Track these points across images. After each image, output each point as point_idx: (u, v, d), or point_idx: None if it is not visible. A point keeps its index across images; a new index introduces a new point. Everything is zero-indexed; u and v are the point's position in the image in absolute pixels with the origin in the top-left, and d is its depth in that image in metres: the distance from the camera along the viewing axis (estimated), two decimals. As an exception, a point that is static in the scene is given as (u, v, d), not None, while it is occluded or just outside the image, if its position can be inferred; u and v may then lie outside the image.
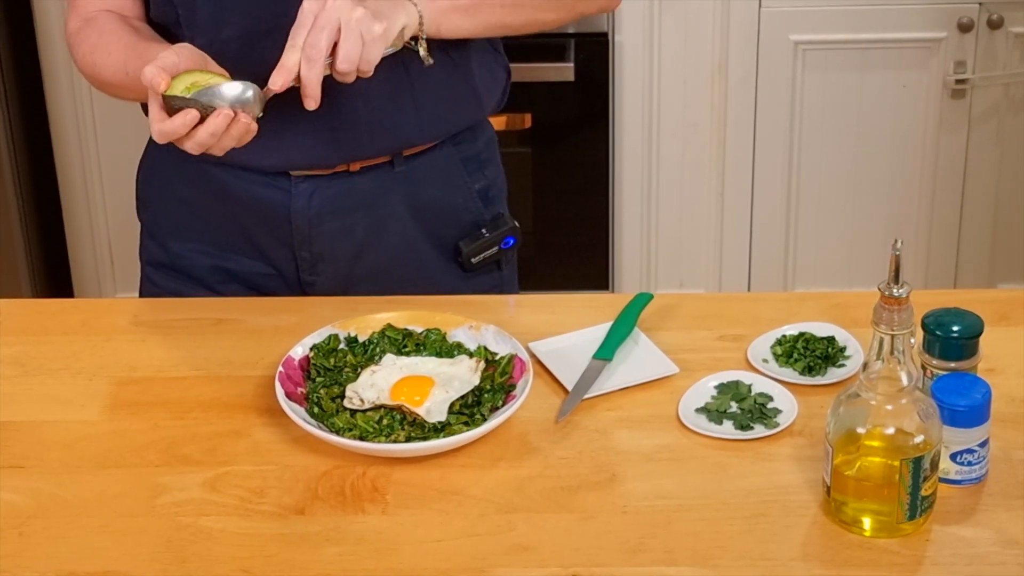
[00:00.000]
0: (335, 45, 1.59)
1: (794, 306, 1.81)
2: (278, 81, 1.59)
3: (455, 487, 1.50)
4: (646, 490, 1.49)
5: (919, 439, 1.39)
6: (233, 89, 1.61)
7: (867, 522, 1.42)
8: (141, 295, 1.97)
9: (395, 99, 1.73)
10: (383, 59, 1.65)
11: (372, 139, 1.80)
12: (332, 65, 1.61)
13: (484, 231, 1.90)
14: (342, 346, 1.67)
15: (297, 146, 1.78)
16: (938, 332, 1.52)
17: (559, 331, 1.74)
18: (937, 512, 1.44)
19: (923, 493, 1.41)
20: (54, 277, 3.42)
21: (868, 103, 3.18)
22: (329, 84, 1.64)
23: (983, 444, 1.47)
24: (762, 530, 1.44)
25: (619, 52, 3.11)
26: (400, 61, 1.74)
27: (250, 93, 1.61)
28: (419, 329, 1.70)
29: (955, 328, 1.51)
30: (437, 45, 1.73)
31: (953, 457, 1.47)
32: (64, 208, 3.32)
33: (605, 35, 3.11)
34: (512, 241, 1.92)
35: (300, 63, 1.59)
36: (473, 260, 1.90)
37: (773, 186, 3.26)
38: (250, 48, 1.74)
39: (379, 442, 1.54)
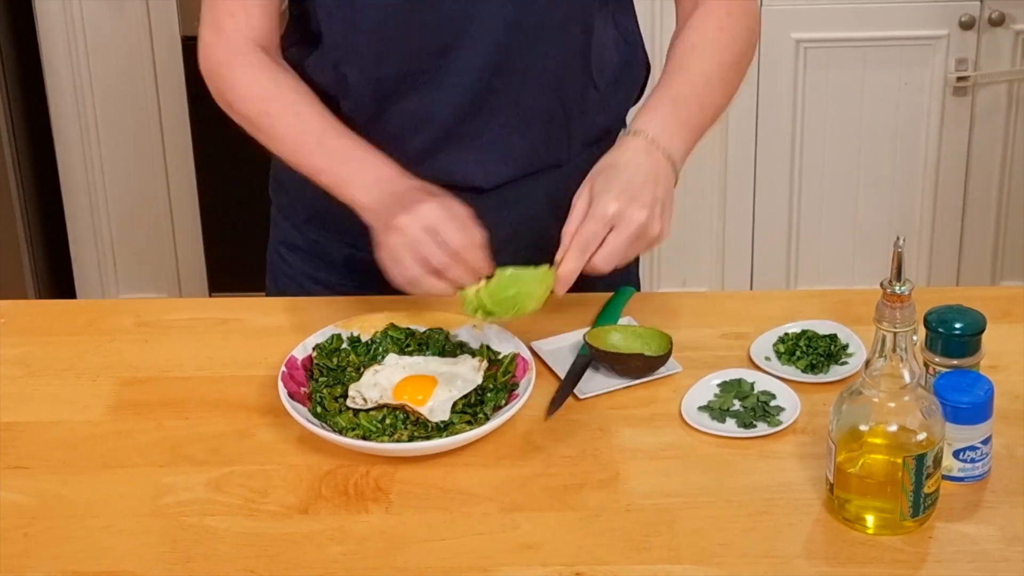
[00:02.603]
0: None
1: (796, 304, 1.81)
2: (563, 289, 1.60)
3: (458, 486, 1.51)
4: (649, 488, 1.49)
5: (922, 436, 1.40)
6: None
7: (870, 519, 1.42)
8: (270, 273, 1.96)
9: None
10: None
11: (531, 153, 1.81)
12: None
13: None
14: (345, 346, 1.67)
15: (454, 166, 1.80)
16: (941, 329, 1.52)
17: (562, 330, 1.74)
18: (940, 509, 1.44)
19: (926, 490, 1.41)
20: (57, 278, 3.43)
21: (870, 101, 3.18)
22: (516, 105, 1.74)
23: (986, 441, 1.47)
24: (765, 528, 1.44)
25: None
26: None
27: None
28: (422, 328, 1.70)
29: (957, 325, 1.52)
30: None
31: (956, 454, 1.47)
32: (66, 209, 3.33)
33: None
34: None
35: (586, 265, 1.59)
36: None
37: (775, 184, 3.26)
38: (406, 87, 1.75)
39: (382, 441, 1.54)
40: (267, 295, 1.98)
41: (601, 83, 1.81)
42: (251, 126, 1.76)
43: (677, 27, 1.82)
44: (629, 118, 1.83)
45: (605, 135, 1.86)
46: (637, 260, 1.96)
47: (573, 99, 1.80)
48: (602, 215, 1.59)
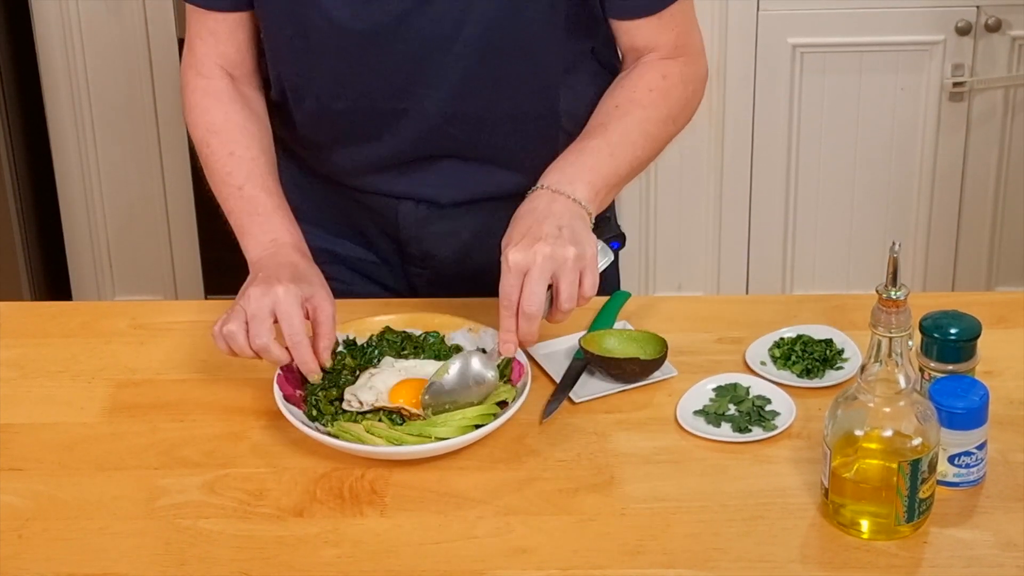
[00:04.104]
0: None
1: (792, 308, 1.81)
2: (511, 349, 1.58)
3: (453, 489, 1.50)
4: (644, 492, 1.49)
5: (917, 441, 1.40)
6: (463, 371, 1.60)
7: (865, 524, 1.42)
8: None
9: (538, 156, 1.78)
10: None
11: (493, 181, 1.82)
12: (552, 306, 1.59)
13: None
14: (341, 348, 1.67)
15: (406, 187, 1.82)
16: (936, 334, 1.52)
17: (557, 333, 1.74)
18: (935, 514, 1.44)
19: (921, 495, 1.41)
20: (53, 280, 3.42)
21: (866, 106, 3.18)
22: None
23: (981, 446, 1.47)
24: (760, 532, 1.44)
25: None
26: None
27: (490, 375, 1.59)
28: (417, 332, 1.70)
29: (953, 330, 1.52)
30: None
31: (951, 459, 1.47)
32: (63, 211, 3.32)
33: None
34: (616, 246, 1.91)
35: (519, 321, 1.57)
36: None
37: (771, 188, 3.26)
38: (362, 121, 1.77)
39: (377, 445, 1.54)
40: None
41: (573, 127, 1.78)
42: (197, 152, 1.81)
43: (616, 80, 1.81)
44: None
45: None
46: (615, 261, 1.96)
47: (539, 143, 1.79)
48: (508, 268, 1.57)
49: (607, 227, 1.90)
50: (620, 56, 1.84)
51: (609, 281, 1.94)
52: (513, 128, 1.78)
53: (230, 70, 1.81)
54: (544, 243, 1.57)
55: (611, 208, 1.92)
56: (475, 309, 1.79)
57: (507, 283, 1.57)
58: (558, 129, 1.79)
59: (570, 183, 1.65)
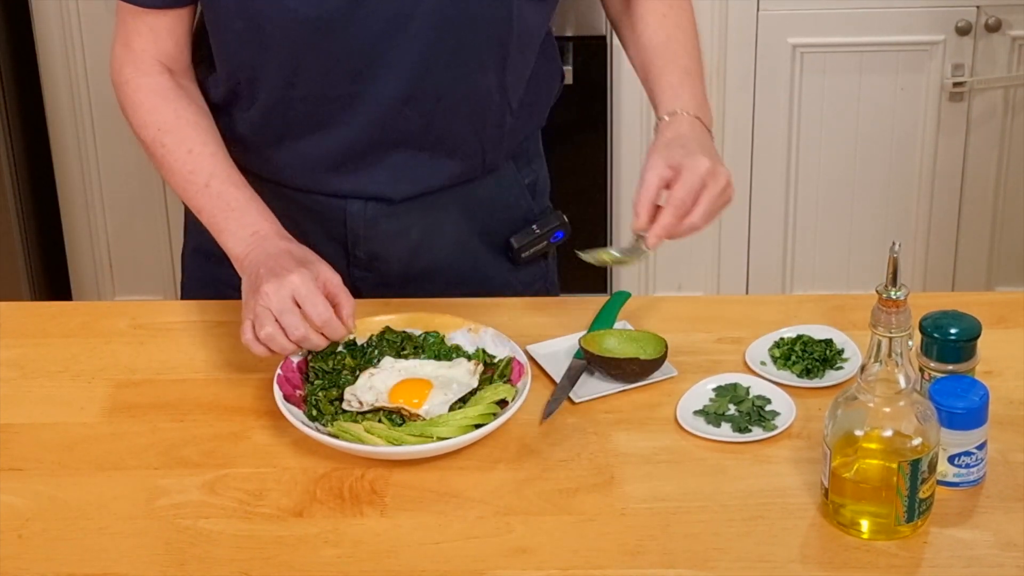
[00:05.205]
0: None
1: (792, 308, 1.81)
2: (656, 243, 1.69)
3: (453, 489, 1.50)
4: (644, 492, 1.49)
5: (917, 441, 1.40)
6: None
7: (865, 524, 1.42)
8: (185, 280, 1.98)
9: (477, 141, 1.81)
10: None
11: (443, 171, 1.83)
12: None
13: (534, 226, 1.91)
14: (340, 349, 1.67)
15: (360, 182, 1.82)
16: (936, 334, 1.52)
17: (557, 333, 1.74)
18: (935, 514, 1.44)
19: (921, 495, 1.41)
20: (53, 280, 3.42)
21: (866, 106, 3.18)
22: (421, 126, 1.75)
23: (981, 447, 1.47)
24: (760, 532, 1.44)
25: (618, 55, 3.11)
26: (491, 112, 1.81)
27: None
28: (417, 332, 1.70)
29: (953, 330, 1.52)
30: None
31: (951, 459, 1.47)
32: (63, 211, 3.32)
33: (603, 38, 3.11)
34: (561, 235, 1.93)
35: (679, 221, 1.66)
36: (524, 255, 1.90)
37: (771, 188, 3.26)
38: (317, 109, 1.76)
39: (377, 445, 1.54)
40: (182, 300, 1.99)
41: (516, 104, 1.81)
42: (147, 151, 1.80)
43: (620, 26, 1.87)
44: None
45: (519, 150, 1.89)
46: (554, 252, 1.99)
47: (488, 123, 1.80)
48: (694, 170, 1.64)
49: (552, 216, 1.92)
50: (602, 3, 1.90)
51: (549, 279, 1.96)
52: (467, 108, 1.78)
53: (169, 65, 1.79)
54: (723, 168, 1.66)
55: (547, 197, 1.96)
56: (475, 308, 1.79)
57: (689, 183, 1.64)
58: (505, 105, 1.80)
59: (698, 109, 1.75)
